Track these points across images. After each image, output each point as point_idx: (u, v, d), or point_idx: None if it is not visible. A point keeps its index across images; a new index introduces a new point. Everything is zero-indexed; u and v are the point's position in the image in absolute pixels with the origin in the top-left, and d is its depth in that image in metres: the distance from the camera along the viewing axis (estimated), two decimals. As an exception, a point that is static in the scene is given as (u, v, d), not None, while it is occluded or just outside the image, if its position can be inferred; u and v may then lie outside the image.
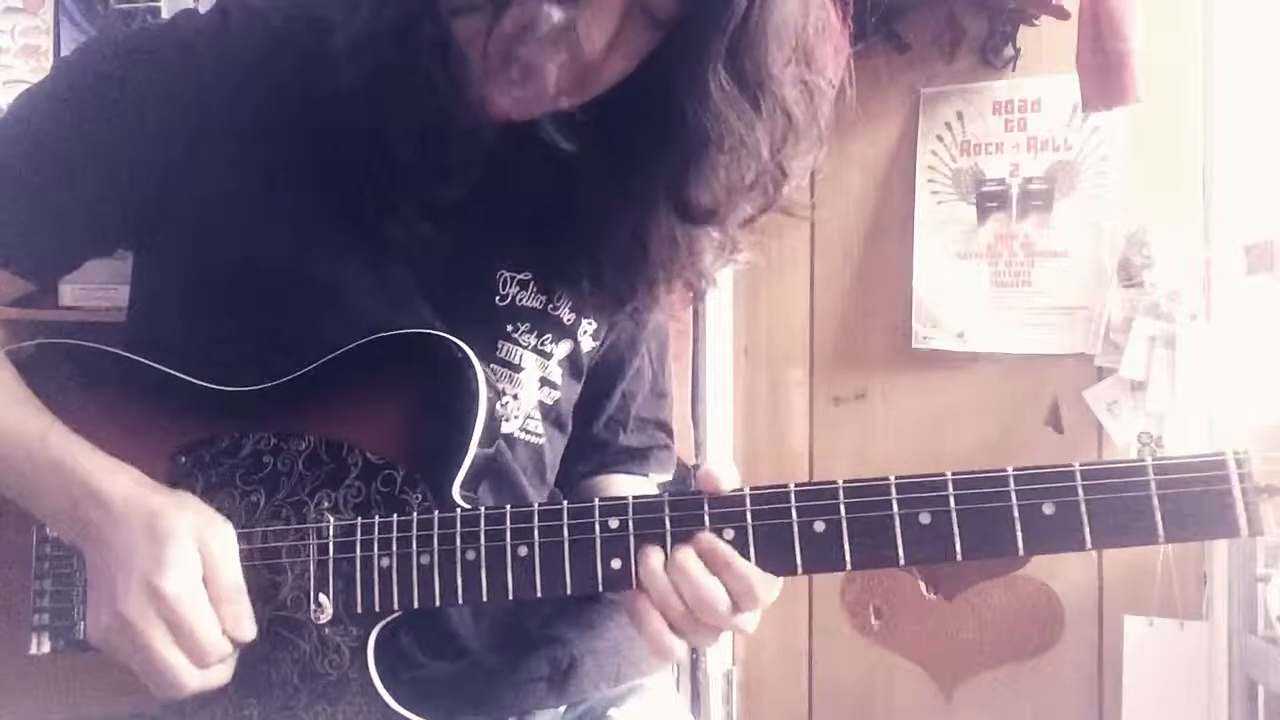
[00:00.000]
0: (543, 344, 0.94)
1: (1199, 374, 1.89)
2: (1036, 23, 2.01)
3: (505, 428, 0.93)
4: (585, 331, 0.98)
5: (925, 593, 2.12)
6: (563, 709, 0.96)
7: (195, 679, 0.77)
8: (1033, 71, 2.05)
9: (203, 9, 2.05)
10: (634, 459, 1.09)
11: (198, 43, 0.85)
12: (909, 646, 2.13)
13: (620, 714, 0.95)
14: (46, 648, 0.85)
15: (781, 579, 0.78)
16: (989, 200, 2.08)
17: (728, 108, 0.77)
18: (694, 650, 2.02)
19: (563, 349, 0.96)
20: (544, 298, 0.93)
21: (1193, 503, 0.71)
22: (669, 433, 1.12)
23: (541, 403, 0.96)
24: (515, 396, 0.94)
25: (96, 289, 1.83)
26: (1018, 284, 2.06)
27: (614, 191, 0.85)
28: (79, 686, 0.84)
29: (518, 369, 0.93)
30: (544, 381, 0.96)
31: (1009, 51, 2.06)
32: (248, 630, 0.79)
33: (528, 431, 0.96)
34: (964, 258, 2.10)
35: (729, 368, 2.22)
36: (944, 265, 2.11)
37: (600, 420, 1.07)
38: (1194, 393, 1.89)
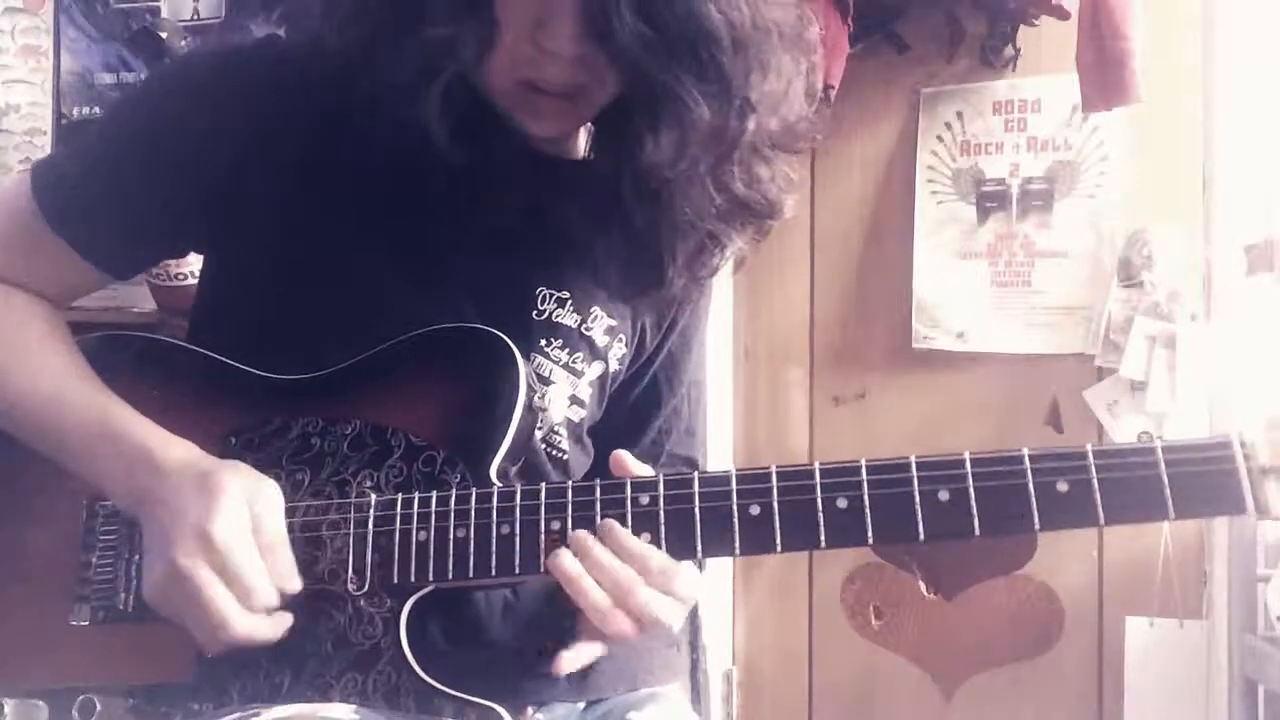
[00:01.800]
0: (574, 361, 0.98)
1: (1199, 374, 1.89)
2: (1036, 23, 2.01)
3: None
4: (614, 355, 1.01)
5: (925, 593, 2.12)
6: (582, 705, 0.99)
7: (242, 623, 0.79)
8: (1033, 71, 2.06)
9: (203, 10, 2.05)
10: None
11: (277, 65, 0.93)
12: (909, 646, 2.13)
13: (640, 717, 0.97)
14: (87, 618, 0.88)
15: (683, 571, 0.82)
16: (989, 200, 2.09)
17: (649, 53, 0.79)
18: (694, 650, 2.03)
19: (594, 370, 1.00)
20: (579, 317, 0.98)
21: (1200, 481, 0.73)
22: (695, 468, 1.14)
23: (569, 419, 0.99)
24: (543, 409, 0.96)
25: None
26: (1018, 284, 2.07)
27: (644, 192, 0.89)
28: (116, 656, 0.87)
29: (547, 382, 0.96)
30: (573, 399, 0.99)
31: (1009, 51, 2.06)
32: (292, 581, 0.82)
33: (552, 445, 0.99)
34: (964, 258, 2.10)
35: (729, 368, 2.23)
36: (944, 265, 2.11)
37: (634, 452, 1.08)
38: (1194, 393, 1.89)
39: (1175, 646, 1.95)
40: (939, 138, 2.12)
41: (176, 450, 0.85)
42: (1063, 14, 1.90)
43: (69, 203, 0.92)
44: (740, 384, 2.25)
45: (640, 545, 0.80)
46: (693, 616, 2.00)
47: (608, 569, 0.80)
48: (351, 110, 0.86)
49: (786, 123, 0.89)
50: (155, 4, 2.05)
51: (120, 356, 0.94)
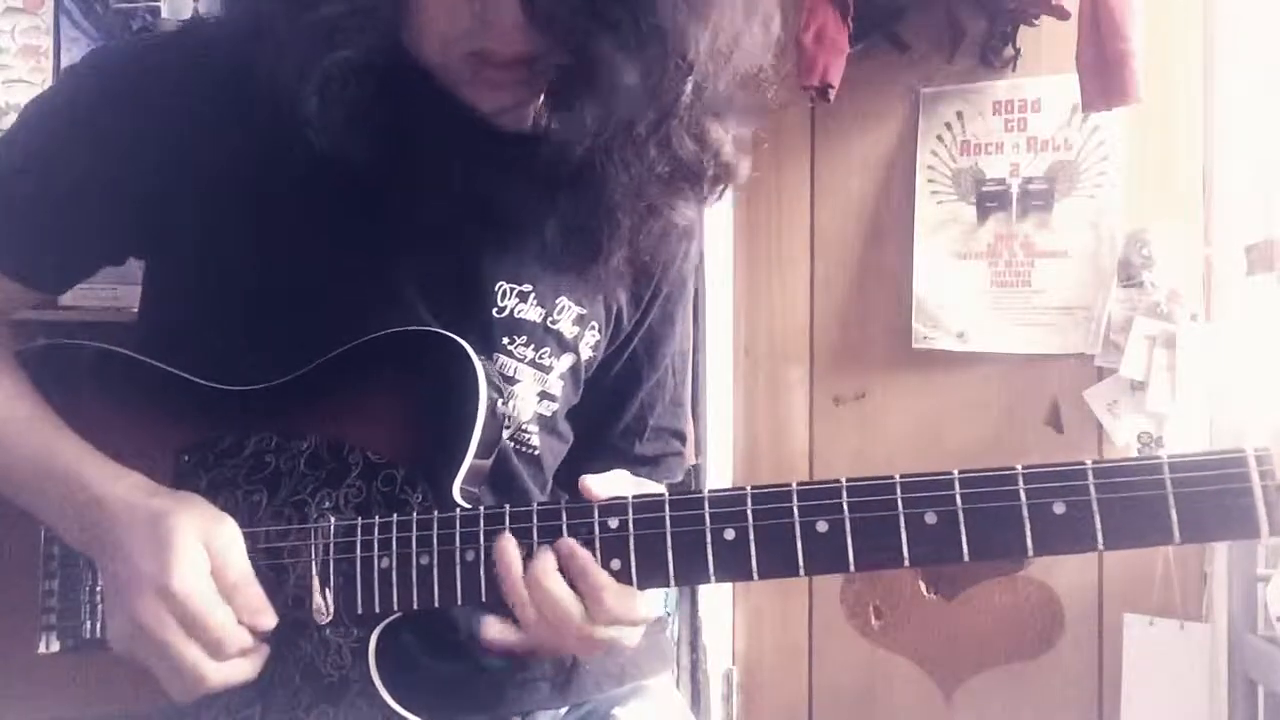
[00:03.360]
0: (541, 357, 0.94)
1: (1199, 374, 1.89)
2: (1036, 23, 2.01)
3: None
4: (587, 343, 0.97)
5: (925, 593, 2.12)
6: (565, 709, 0.97)
7: (216, 673, 0.77)
8: (1033, 71, 2.05)
9: (203, 10, 2.05)
10: (645, 464, 1.09)
11: (199, 57, 0.86)
12: (909, 646, 2.13)
13: (624, 713, 0.96)
14: (55, 647, 0.86)
15: (641, 593, 0.78)
16: (989, 200, 2.08)
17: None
18: (694, 650, 2.02)
19: (565, 362, 0.96)
20: (543, 311, 0.93)
21: (1210, 502, 0.68)
22: (682, 439, 1.13)
23: (540, 415, 0.96)
24: (509, 409, 0.93)
25: (97, 289, 1.83)
26: (1018, 284, 2.06)
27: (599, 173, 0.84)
28: (86, 685, 0.84)
29: (513, 381, 0.93)
30: (543, 395, 0.96)
31: (1009, 51, 2.06)
32: (265, 617, 0.79)
33: (520, 443, 0.95)
34: (964, 258, 2.10)
35: (729, 367, 2.22)
36: (944, 265, 2.11)
37: (617, 428, 1.07)
38: (1194, 393, 1.89)
39: (1175, 646, 1.95)
40: (939, 138, 2.12)
41: (122, 487, 0.80)
42: (1063, 14, 1.89)
43: None
44: (740, 384, 2.25)
45: (599, 576, 0.76)
46: (692, 616, 2.01)
47: (552, 595, 0.76)
48: (278, 98, 0.79)
49: (738, 77, 0.82)
50: (155, 4, 2.05)
51: (66, 367, 0.90)
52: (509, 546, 0.77)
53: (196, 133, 0.85)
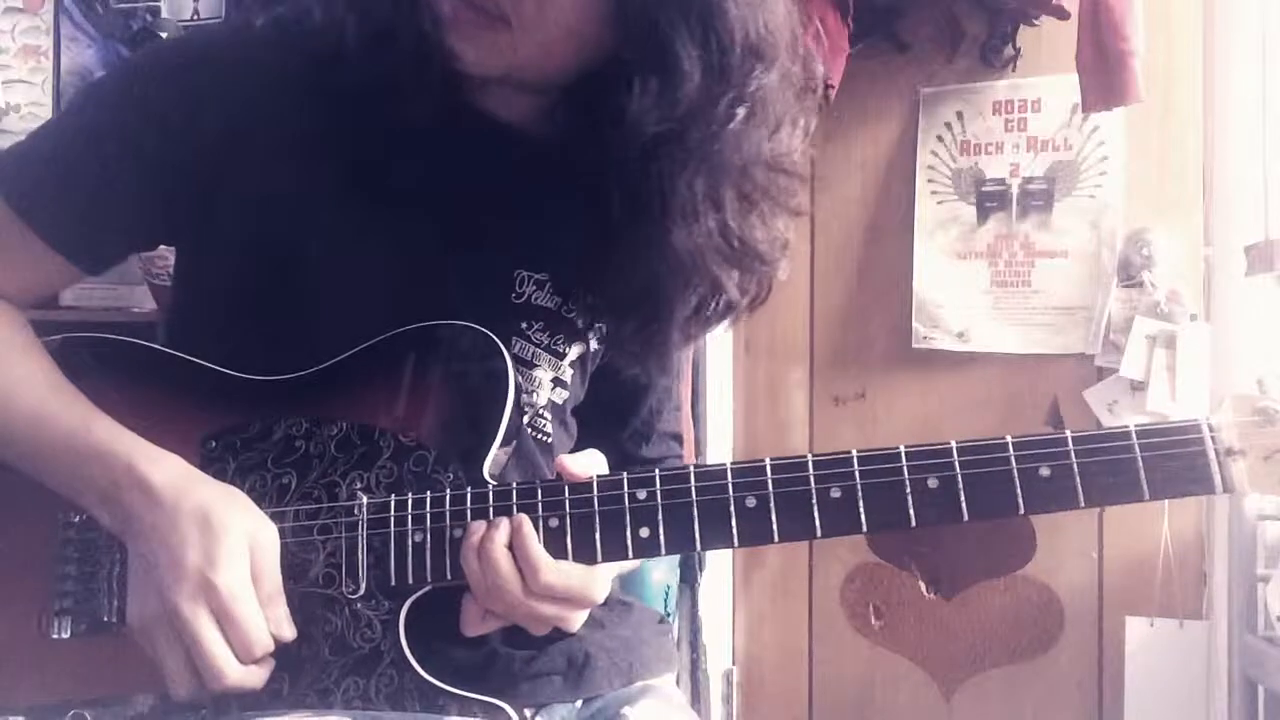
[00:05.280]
0: (555, 344, 0.96)
1: (1199, 374, 1.89)
2: (1036, 23, 2.01)
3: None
4: (595, 336, 1.00)
5: (925, 593, 2.12)
6: (578, 704, 0.98)
7: (237, 673, 0.79)
8: (1033, 71, 2.05)
9: (203, 10, 2.05)
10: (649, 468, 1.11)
11: (245, 53, 0.91)
12: (909, 646, 2.13)
13: (634, 712, 0.97)
14: (68, 632, 0.86)
15: (585, 575, 0.83)
16: (989, 200, 2.09)
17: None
18: (694, 650, 2.03)
19: (575, 350, 0.99)
20: (559, 299, 0.96)
21: (1172, 463, 0.79)
22: (680, 442, 1.15)
23: (552, 402, 0.98)
24: (529, 393, 0.96)
25: (97, 289, 1.84)
26: (1018, 284, 2.07)
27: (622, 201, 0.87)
28: (98, 670, 0.85)
29: (531, 366, 0.95)
30: (556, 382, 0.98)
31: (1009, 51, 2.06)
32: (288, 631, 0.82)
33: (536, 429, 0.98)
34: (964, 258, 2.10)
35: (729, 366, 2.23)
36: (944, 265, 2.11)
37: (625, 433, 1.09)
38: (1194, 393, 1.89)
39: (1175, 646, 1.95)
40: (939, 138, 2.12)
41: (167, 469, 0.82)
42: (1063, 14, 1.90)
43: (34, 189, 0.90)
44: (740, 384, 2.25)
45: (533, 553, 0.81)
46: (693, 616, 2.01)
47: (492, 561, 0.81)
48: (319, 96, 0.85)
49: (777, 154, 0.88)
50: (155, 4, 2.05)
51: (85, 361, 0.91)
52: (479, 524, 0.82)
53: (239, 127, 0.88)
